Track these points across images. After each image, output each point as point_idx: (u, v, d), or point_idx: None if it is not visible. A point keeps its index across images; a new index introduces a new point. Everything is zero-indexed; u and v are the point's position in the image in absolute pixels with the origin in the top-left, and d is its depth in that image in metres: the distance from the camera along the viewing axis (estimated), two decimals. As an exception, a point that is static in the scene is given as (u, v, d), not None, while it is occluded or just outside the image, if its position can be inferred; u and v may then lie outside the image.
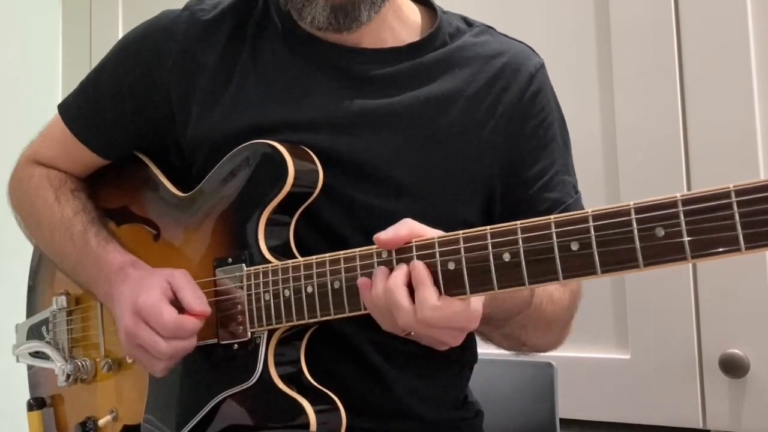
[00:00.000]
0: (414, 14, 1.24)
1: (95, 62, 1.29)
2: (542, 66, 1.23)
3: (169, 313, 1.05)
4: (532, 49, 1.25)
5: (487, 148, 1.15)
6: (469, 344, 1.28)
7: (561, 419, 1.41)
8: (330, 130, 1.12)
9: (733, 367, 1.53)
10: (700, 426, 1.56)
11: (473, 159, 1.15)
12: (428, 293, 0.90)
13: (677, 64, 1.64)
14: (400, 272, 0.92)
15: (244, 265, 1.08)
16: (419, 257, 0.91)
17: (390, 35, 1.19)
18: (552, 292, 1.12)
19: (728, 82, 1.58)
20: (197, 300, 1.07)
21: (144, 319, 1.06)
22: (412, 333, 0.94)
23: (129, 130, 1.26)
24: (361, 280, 0.95)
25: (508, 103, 1.17)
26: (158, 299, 1.06)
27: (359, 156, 1.12)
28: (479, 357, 1.29)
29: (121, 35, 2.49)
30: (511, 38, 1.25)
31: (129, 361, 1.21)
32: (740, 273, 1.51)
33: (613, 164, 1.69)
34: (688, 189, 1.60)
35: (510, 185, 1.16)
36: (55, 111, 1.31)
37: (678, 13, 1.65)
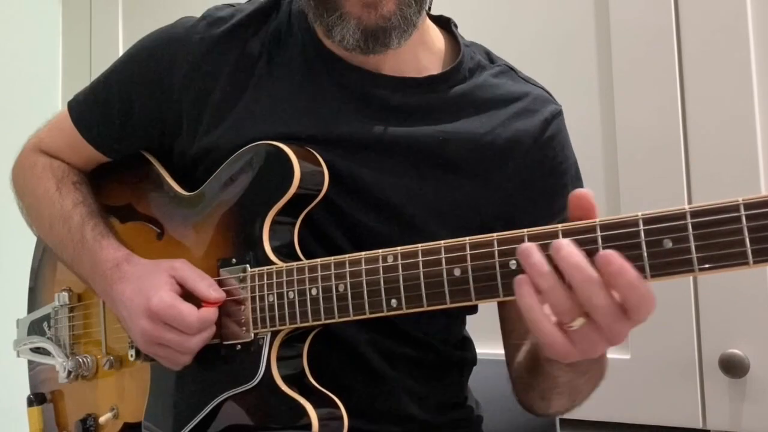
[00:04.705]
0: (438, 41, 1.23)
1: (95, 63, 1.30)
2: (559, 113, 1.21)
3: (190, 312, 1.05)
4: (551, 95, 1.24)
5: (494, 189, 1.15)
6: (469, 346, 1.28)
7: (561, 419, 1.41)
8: (340, 150, 1.12)
9: (733, 367, 1.53)
10: (700, 426, 1.57)
11: (478, 199, 1.14)
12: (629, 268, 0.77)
13: (677, 64, 1.64)
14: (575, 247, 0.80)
15: (248, 265, 1.08)
16: (425, 264, 0.91)
17: (412, 60, 1.18)
18: None
19: (728, 82, 1.59)
20: (210, 289, 1.08)
21: (163, 321, 1.06)
22: (577, 325, 0.80)
23: (135, 134, 1.26)
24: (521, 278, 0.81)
25: (521, 148, 1.16)
26: (172, 299, 1.06)
27: (365, 179, 1.11)
28: (479, 357, 1.29)
29: (121, 35, 2.52)
30: (531, 81, 1.24)
31: (131, 358, 1.21)
32: (740, 273, 1.49)
33: (613, 164, 1.70)
34: (688, 190, 1.61)
35: (510, 230, 1.13)
36: (56, 110, 1.31)
37: (678, 13, 1.65)
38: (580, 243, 0.80)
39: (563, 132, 1.21)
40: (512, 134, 1.16)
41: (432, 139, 1.13)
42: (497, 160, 1.15)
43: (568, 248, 0.79)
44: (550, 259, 0.79)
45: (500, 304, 1.19)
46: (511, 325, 1.18)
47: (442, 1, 1.27)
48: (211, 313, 1.06)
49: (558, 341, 0.81)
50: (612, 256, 0.76)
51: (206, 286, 1.08)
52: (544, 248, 0.80)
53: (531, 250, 0.80)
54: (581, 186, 1.21)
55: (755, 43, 1.58)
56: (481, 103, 1.18)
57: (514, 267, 0.85)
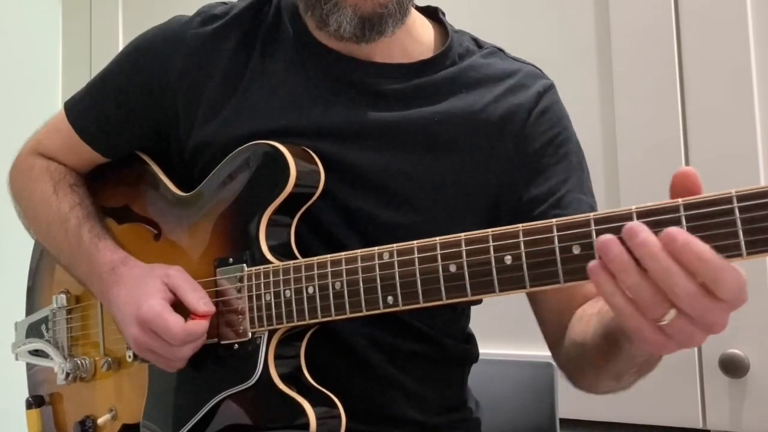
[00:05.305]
0: (427, 32, 1.23)
1: (95, 62, 1.29)
2: (551, 86, 1.21)
3: (176, 323, 1.04)
4: (542, 71, 1.24)
5: (492, 166, 1.15)
6: (473, 342, 1.28)
7: (561, 419, 1.41)
8: (335, 139, 1.12)
9: (733, 367, 1.53)
10: (700, 426, 1.57)
11: (477, 176, 1.14)
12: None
13: (677, 65, 1.64)
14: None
15: (245, 265, 1.08)
16: (420, 260, 0.91)
17: (401, 51, 1.18)
18: None
19: (728, 83, 1.59)
20: (200, 301, 1.07)
21: (151, 329, 1.05)
22: (668, 319, 0.74)
23: (132, 133, 1.26)
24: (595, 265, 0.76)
25: (516, 122, 1.15)
26: (161, 308, 1.05)
27: (362, 166, 1.11)
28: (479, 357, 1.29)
29: (121, 35, 2.53)
30: (520, 60, 1.24)
31: (129, 359, 1.21)
32: (740, 273, 1.51)
33: (613, 164, 1.70)
34: (689, 189, 1.60)
35: (515, 204, 1.14)
36: (56, 110, 1.31)
37: (678, 14, 1.65)
38: (575, 237, 0.80)
39: (558, 104, 1.21)
40: (506, 109, 1.16)
41: (426, 120, 1.14)
42: (494, 136, 1.15)
43: (643, 235, 0.73)
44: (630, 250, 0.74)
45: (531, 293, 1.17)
46: (550, 312, 1.14)
47: (441, 1, 1.27)
48: (198, 326, 1.05)
49: (652, 336, 0.75)
50: (676, 232, 0.71)
51: (196, 298, 1.07)
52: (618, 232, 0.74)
53: (610, 244, 0.74)
54: (582, 156, 1.21)
55: (755, 43, 1.58)
56: (473, 82, 1.18)
57: (509, 262, 0.85)
